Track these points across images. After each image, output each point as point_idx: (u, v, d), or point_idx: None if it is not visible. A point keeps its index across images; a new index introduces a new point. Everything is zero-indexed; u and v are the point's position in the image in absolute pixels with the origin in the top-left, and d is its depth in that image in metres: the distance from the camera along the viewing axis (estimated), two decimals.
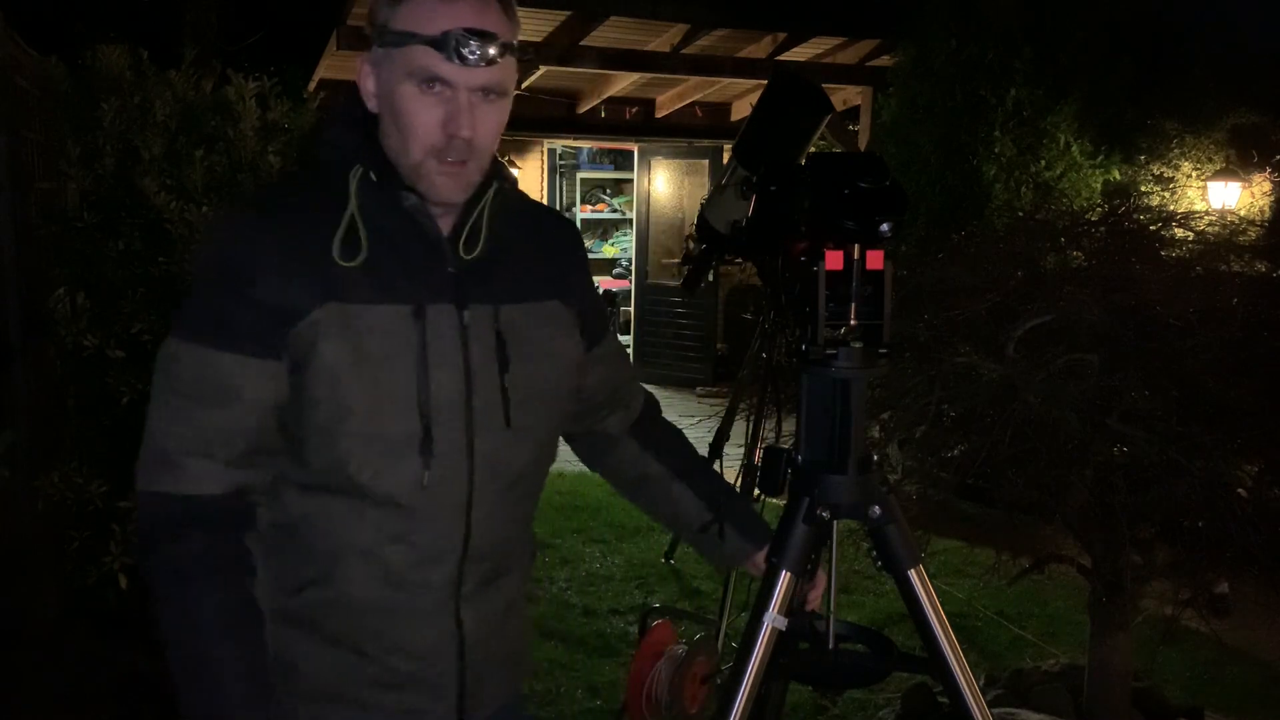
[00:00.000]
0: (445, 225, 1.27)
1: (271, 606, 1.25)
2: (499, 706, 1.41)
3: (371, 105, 1.26)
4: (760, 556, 1.54)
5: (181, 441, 1.20)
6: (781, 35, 7.06)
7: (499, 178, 1.29)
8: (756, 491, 2.09)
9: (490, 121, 1.23)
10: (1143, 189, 6.21)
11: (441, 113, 1.20)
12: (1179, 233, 2.74)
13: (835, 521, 1.51)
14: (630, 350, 9.36)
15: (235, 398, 1.19)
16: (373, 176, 1.24)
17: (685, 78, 8.19)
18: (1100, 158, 6.02)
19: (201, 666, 1.18)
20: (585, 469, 1.63)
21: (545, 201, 10.11)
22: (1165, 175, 6.42)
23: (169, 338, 1.22)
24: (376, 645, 1.28)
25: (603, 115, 9.45)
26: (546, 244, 1.40)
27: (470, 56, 1.18)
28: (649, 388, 1.66)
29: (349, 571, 1.26)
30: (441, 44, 1.17)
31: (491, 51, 1.19)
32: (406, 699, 1.30)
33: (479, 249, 1.28)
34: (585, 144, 10.53)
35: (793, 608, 1.52)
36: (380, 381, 1.21)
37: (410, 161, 1.22)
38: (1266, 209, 6.56)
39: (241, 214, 1.33)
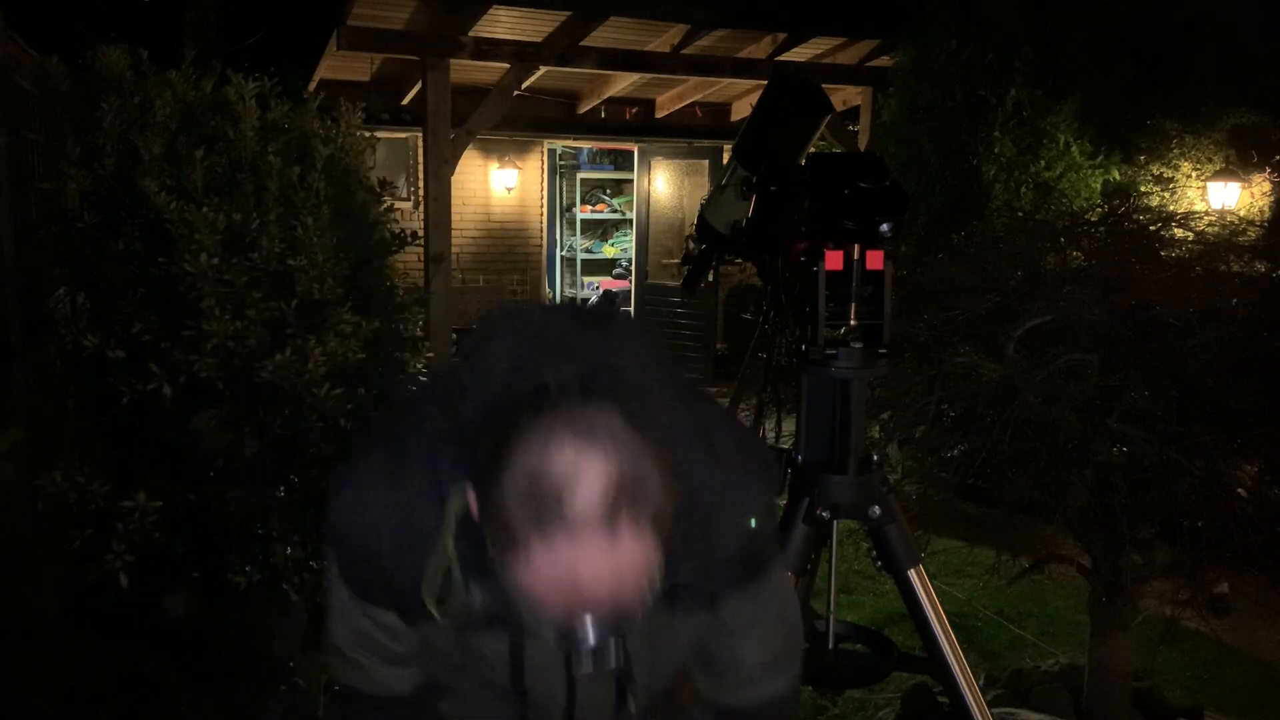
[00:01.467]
0: None
1: None
2: None
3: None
4: None
5: (355, 644, 1.22)
6: (781, 36, 7.06)
7: None
8: None
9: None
10: (1142, 189, 6.20)
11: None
12: (1179, 233, 2.75)
13: (835, 521, 1.51)
14: None
15: (398, 631, 1.19)
16: (474, 517, 0.99)
17: (685, 78, 8.18)
18: (1100, 158, 6.01)
19: None
20: None
21: (545, 202, 10.10)
22: (1165, 175, 6.41)
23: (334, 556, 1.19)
24: None
25: (603, 115, 9.45)
26: (706, 545, 1.10)
27: (594, 659, 0.94)
28: None
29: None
30: (562, 639, 0.94)
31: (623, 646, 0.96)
32: None
33: None
34: (585, 144, 10.51)
35: None
36: (473, 695, 1.24)
37: None
38: (1266, 209, 6.55)
39: (367, 492, 1.13)
